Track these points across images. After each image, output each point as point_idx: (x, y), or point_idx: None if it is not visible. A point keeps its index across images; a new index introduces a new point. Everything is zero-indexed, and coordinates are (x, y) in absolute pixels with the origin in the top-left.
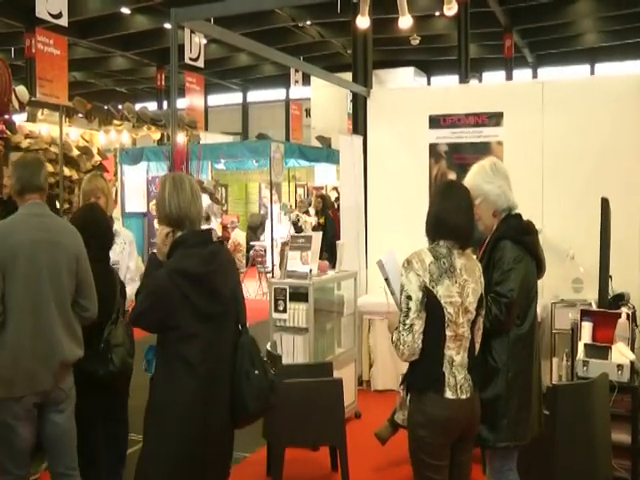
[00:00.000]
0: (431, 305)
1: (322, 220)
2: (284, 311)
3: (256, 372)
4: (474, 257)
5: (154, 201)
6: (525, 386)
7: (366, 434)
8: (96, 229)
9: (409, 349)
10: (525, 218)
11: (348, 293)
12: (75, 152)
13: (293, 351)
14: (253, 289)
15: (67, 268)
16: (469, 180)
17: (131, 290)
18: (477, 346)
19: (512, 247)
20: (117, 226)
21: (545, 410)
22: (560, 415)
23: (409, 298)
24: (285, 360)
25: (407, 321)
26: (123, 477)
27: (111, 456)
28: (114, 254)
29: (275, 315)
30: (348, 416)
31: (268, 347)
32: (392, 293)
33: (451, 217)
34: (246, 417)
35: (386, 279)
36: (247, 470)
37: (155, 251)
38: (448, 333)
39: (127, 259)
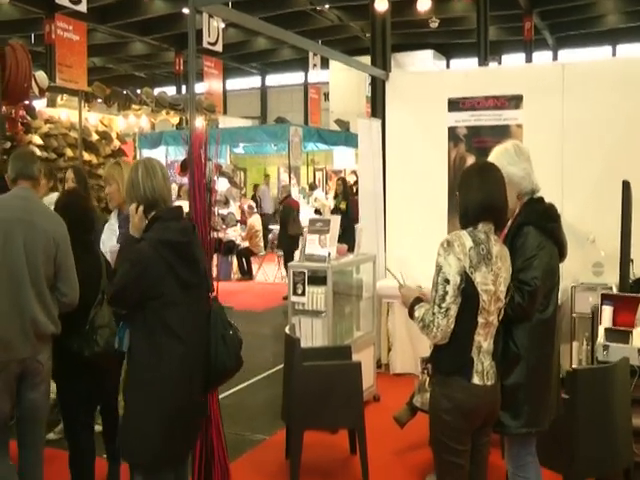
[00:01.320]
0: (468, 291)
1: (343, 205)
2: (303, 294)
3: (230, 333)
4: (503, 245)
5: (173, 185)
6: (546, 372)
7: (385, 417)
8: (76, 214)
9: (442, 333)
10: (547, 201)
11: (367, 277)
12: (94, 137)
13: (312, 334)
14: (272, 272)
15: (44, 250)
16: (492, 161)
17: None
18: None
19: (535, 233)
20: None
21: (565, 394)
22: (580, 400)
23: (447, 282)
24: (304, 343)
25: (443, 305)
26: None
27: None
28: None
29: (294, 298)
30: (367, 399)
31: (287, 330)
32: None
33: (495, 199)
34: (224, 376)
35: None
36: (266, 453)
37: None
38: (480, 320)
39: None
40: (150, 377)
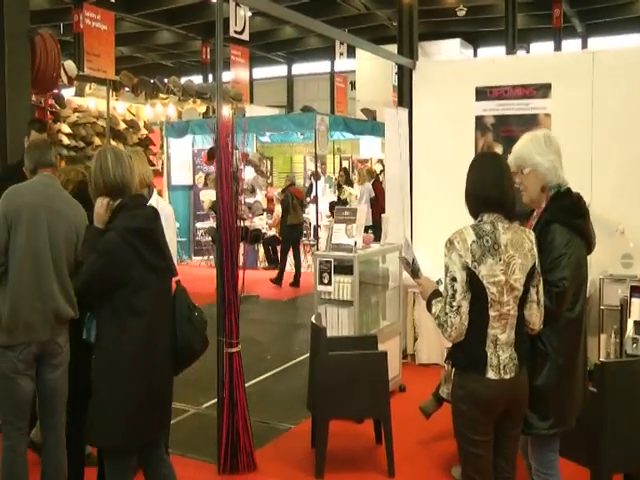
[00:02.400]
0: (473, 286)
1: (344, 195)
2: (329, 284)
3: (196, 314)
4: (526, 230)
5: (200, 174)
6: (574, 371)
7: (410, 408)
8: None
9: (457, 331)
10: (574, 192)
11: (393, 266)
12: (122, 125)
13: (338, 324)
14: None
15: (65, 236)
16: (520, 147)
17: None
18: (536, 322)
19: (562, 231)
20: (153, 201)
21: (592, 387)
22: (608, 393)
23: (454, 280)
24: (330, 333)
25: (454, 303)
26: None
27: None
28: None
29: (320, 288)
30: (392, 389)
31: (313, 319)
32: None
33: (486, 189)
34: (192, 356)
35: (413, 260)
36: (291, 442)
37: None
38: (492, 313)
39: None
40: (116, 358)
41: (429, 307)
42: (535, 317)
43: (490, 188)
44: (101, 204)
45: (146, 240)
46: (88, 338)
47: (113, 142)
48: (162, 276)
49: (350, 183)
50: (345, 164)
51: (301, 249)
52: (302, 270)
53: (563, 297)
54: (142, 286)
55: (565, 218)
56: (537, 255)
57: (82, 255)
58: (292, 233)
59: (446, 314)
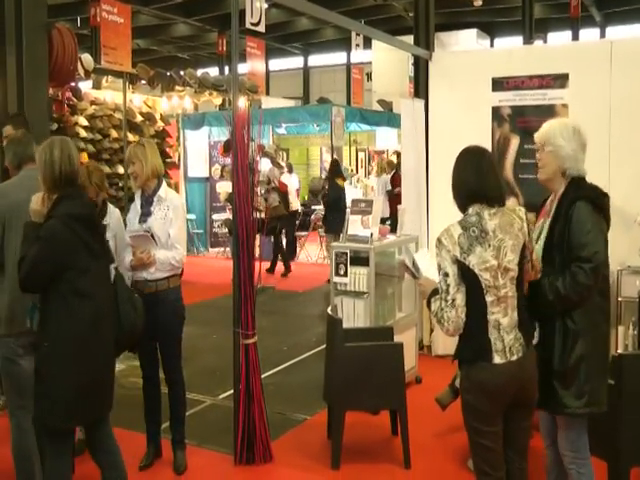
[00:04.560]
0: (466, 276)
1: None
2: (345, 275)
3: (135, 295)
4: (515, 209)
5: (216, 166)
6: (603, 352)
7: (426, 399)
8: None
9: (454, 324)
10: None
11: (409, 258)
12: (139, 118)
13: (354, 315)
14: (314, 253)
15: None
16: (548, 126)
17: (165, 256)
18: (536, 265)
19: (587, 207)
20: (162, 191)
21: (610, 380)
22: (626, 386)
23: (446, 275)
24: (345, 324)
25: (448, 297)
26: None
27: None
28: (153, 219)
29: (336, 279)
30: (408, 381)
31: (329, 311)
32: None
33: (467, 183)
34: (134, 336)
35: (413, 261)
36: (307, 433)
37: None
38: (489, 299)
39: (167, 225)
40: (63, 342)
41: (429, 306)
42: (535, 265)
43: (470, 181)
44: (36, 201)
45: (87, 226)
46: (32, 327)
47: (130, 134)
48: (102, 261)
49: (341, 176)
50: (361, 155)
51: (318, 240)
52: (318, 261)
53: (598, 271)
54: (86, 270)
55: (591, 196)
56: (527, 232)
57: (23, 250)
58: (275, 226)
59: (442, 309)
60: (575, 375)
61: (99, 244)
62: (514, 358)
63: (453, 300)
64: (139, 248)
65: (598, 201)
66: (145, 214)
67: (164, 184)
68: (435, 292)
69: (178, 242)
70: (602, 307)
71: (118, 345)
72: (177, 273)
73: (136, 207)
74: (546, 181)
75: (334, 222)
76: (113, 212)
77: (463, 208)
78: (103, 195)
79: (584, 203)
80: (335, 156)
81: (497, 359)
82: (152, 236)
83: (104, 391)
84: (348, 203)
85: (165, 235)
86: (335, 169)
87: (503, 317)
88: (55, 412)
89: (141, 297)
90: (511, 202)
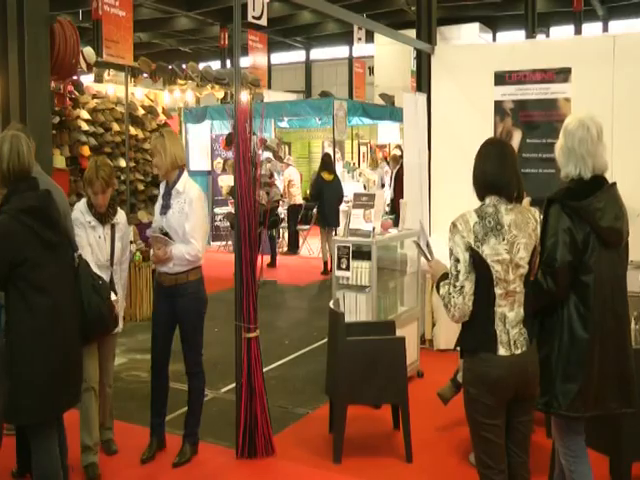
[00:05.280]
0: (478, 265)
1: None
2: (347, 269)
3: (100, 282)
4: (532, 209)
5: (218, 159)
6: (577, 359)
7: (428, 393)
8: None
9: (460, 311)
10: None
11: (411, 252)
12: (140, 111)
13: (356, 309)
14: (316, 247)
15: None
16: (573, 118)
17: (180, 251)
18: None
19: (555, 210)
20: (180, 184)
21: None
22: None
23: (457, 261)
24: (348, 318)
25: (457, 283)
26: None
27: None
28: (171, 213)
29: (338, 273)
30: (410, 375)
31: (331, 305)
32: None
33: (487, 175)
34: (102, 323)
35: (427, 243)
36: (309, 427)
37: None
38: (498, 291)
39: (183, 219)
40: (25, 337)
41: (438, 289)
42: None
43: (490, 173)
44: None
45: (40, 218)
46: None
47: (131, 128)
48: (61, 251)
49: (329, 170)
50: (363, 149)
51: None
52: (320, 256)
53: (556, 277)
54: (40, 264)
55: (561, 198)
56: (539, 234)
57: None
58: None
59: (449, 294)
60: (540, 375)
61: (55, 234)
62: (518, 352)
63: (462, 287)
64: (156, 245)
65: (569, 204)
66: (165, 206)
67: (184, 175)
68: (445, 276)
69: (193, 237)
70: (580, 315)
71: (86, 333)
72: (197, 266)
73: (159, 198)
74: (562, 174)
75: (321, 215)
76: (120, 212)
77: (481, 197)
78: (111, 190)
79: (554, 205)
80: (336, 149)
81: (502, 351)
82: (166, 234)
83: (71, 382)
84: (333, 197)
85: (182, 229)
86: (324, 163)
87: (509, 311)
88: (23, 407)
89: (162, 289)
90: (526, 201)
